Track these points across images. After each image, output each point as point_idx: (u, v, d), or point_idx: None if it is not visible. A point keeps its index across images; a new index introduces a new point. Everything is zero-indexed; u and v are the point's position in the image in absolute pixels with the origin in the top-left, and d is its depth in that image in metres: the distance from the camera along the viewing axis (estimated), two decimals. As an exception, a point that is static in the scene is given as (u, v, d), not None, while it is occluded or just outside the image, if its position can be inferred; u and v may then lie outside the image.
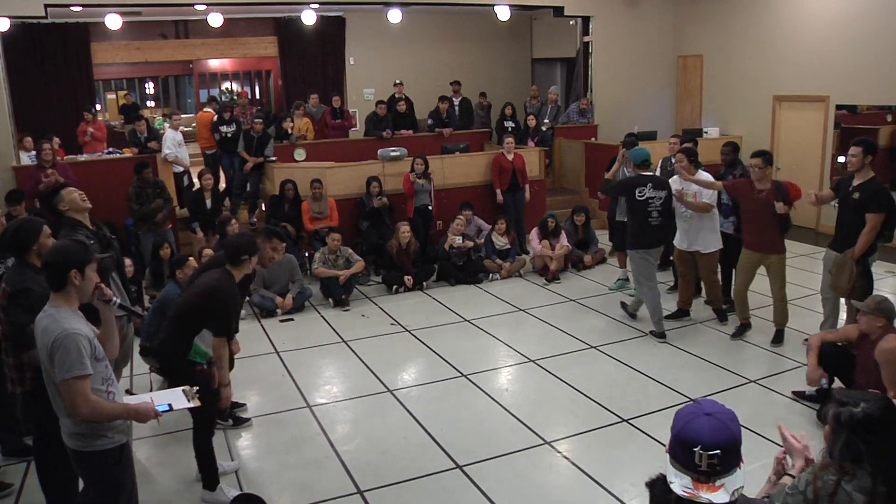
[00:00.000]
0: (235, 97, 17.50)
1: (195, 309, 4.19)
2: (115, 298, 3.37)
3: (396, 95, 12.42)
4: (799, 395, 5.51)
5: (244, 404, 5.60)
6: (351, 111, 13.19)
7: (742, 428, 1.97)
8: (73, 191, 4.93)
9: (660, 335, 6.79)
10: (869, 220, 5.71)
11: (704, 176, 6.82)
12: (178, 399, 3.52)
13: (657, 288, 6.93)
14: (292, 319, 7.68)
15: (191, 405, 3.57)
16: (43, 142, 8.94)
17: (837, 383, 5.24)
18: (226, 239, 7.91)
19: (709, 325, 7.14)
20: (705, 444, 1.85)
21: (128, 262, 6.90)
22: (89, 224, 4.93)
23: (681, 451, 1.90)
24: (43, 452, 4.00)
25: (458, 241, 8.84)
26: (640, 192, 6.59)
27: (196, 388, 3.58)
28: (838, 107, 10.56)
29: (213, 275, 4.27)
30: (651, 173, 6.81)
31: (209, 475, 4.38)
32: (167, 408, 3.42)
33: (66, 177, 8.34)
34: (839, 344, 5.19)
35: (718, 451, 1.84)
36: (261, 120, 10.43)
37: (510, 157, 9.89)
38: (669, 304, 7.63)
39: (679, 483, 1.89)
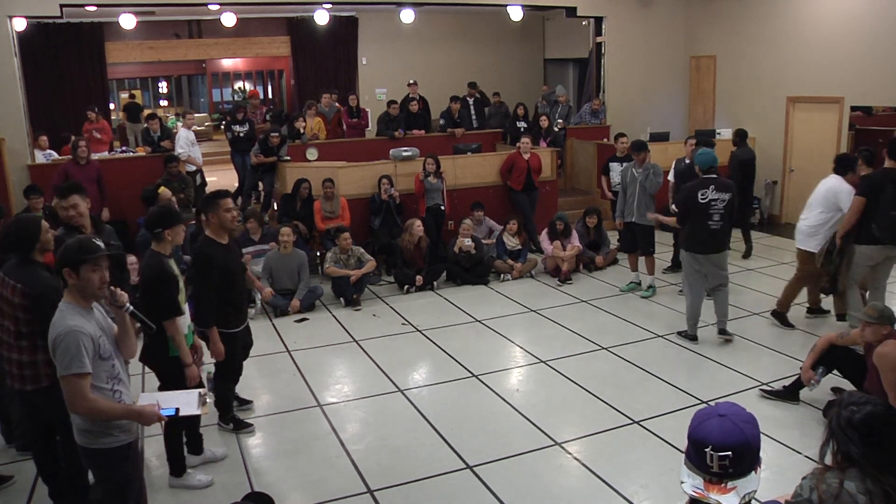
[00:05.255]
0: (247, 97, 17.56)
1: (145, 301, 4.22)
2: (127, 305, 3.36)
3: (410, 95, 12.42)
4: (767, 393, 5.60)
5: (250, 401, 5.59)
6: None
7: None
8: (70, 208, 4.95)
9: (691, 337, 6.73)
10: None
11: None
12: (187, 404, 3.52)
13: (701, 294, 6.75)
14: (307, 319, 7.70)
15: (198, 412, 3.57)
16: (79, 140, 9.22)
17: (824, 384, 5.30)
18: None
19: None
20: (715, 444, 1.84)
21: (132, 259, 6.96)
22: (88, 227, 5.04)
23: (693, 451, 1.89)
24: (43, 446, 4.14)
25: (468, 243, 8.84)
26: (702, 195, 6.41)
27: (210, 393, 3.58)
28: (853, 108, 10.48)
29: (143, 263, 4.37)
30: (714, 175, 6.52)
31: (178, 462, 4.51)
32: (173, 412, 3.41)
33: (96, 175, 8.90)
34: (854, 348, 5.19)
35: (729, 453, 1.83)
36: (277, 134, 10.42)
37: (526, 156, 9.89)
38: (681, 306, 7.60)
39: (690, 483, 1.89)
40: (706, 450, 1.84)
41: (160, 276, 4.23)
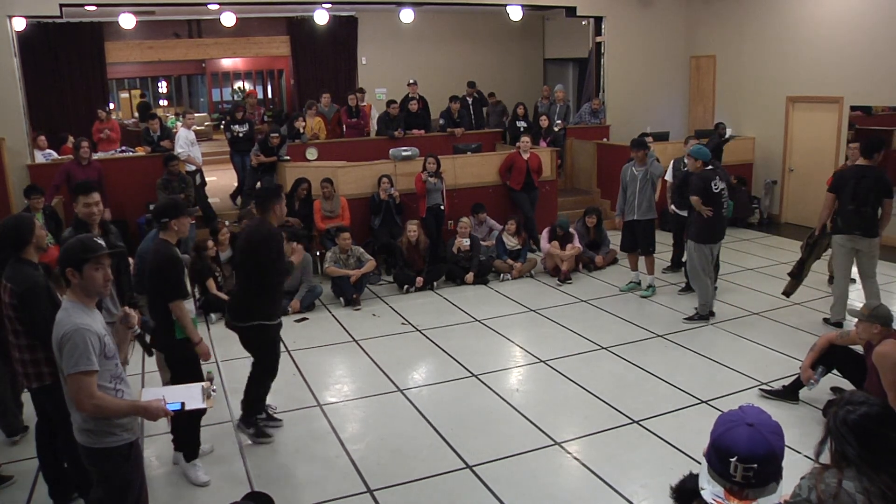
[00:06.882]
0: (245, 96, 17.54)
1: (152, 287, 4.43)
2: (136, 328, 3.44)
3: (410, 95, 12.41)
4: (766, 393, 5.61)
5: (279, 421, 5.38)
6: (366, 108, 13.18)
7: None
8: (94, 205, 4.99)
9: (709, 315, 7.21)
10: None
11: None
12: (192, 398, 3.53)
13: (711, 278, 7.28)
14: (307, 319, 7.71)
15: (203, 406, 3.58)
16: (82, 140, 9.24)
17: (824, 384, 5.32)
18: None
19: (720, 326, 7.11)
20: (742, 455, 1.77)
21: (131, 260, 6.96)
22: (96, 228, 5.04)
23: (716, 458, 1.82)
24: (46, 444, 4.17)
25: (466, 243, 8.84)
26: (714, 186, 6.87)
27: (213, 387, 3.61)
28: (852, 108, 10.49)
29: (151, 249, 4.56)
30: (712, 167, 7.09)
31: (191, 447, 4.60)
32: (179, 406, 3.42)
33: (97, 176, 8.86)
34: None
35: (755, 465, 1.76)
36: (277, 134, 10.41)
37: (526, 156, 9.89)
38: (681, 306, 7.63)
39: (710, 490, 1.82)
40: (731, 459, 1.78)
41: (169, 259, 4.40)
